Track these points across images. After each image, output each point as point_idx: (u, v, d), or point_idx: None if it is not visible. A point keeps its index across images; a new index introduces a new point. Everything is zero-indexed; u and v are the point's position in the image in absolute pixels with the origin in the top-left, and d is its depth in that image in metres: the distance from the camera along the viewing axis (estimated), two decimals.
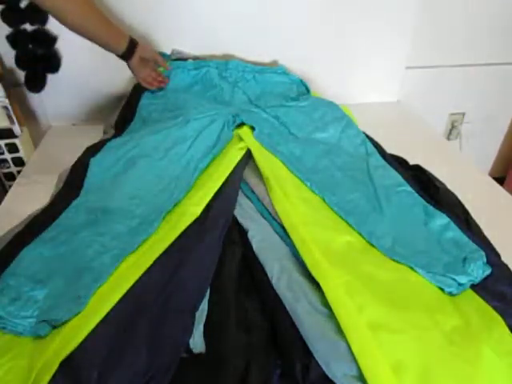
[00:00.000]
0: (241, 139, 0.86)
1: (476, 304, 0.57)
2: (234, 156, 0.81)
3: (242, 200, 0.77)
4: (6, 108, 1.05)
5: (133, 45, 0.94)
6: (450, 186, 0.81)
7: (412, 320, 0.53)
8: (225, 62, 1.09)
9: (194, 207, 0.69)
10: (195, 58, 1.12)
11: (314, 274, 0.58)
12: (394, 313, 0.54)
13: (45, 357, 0.48)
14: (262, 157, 0.81)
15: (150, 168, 0.81)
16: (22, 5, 1.00)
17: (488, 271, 0.61)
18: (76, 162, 0.90)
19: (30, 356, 0.49)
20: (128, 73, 1.07)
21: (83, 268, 0.60)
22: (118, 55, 0.94)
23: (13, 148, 1.10)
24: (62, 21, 0.83)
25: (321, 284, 0.56)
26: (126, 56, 0.94)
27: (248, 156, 0.84)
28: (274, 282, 0.60)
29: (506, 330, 0.54)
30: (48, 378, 0.46)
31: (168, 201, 0.72)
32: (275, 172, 0.77)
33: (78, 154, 0.91)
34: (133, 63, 0.96)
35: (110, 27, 0.91)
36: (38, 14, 1.02)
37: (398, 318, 0.53)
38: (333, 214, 0.71)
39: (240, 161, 0.81)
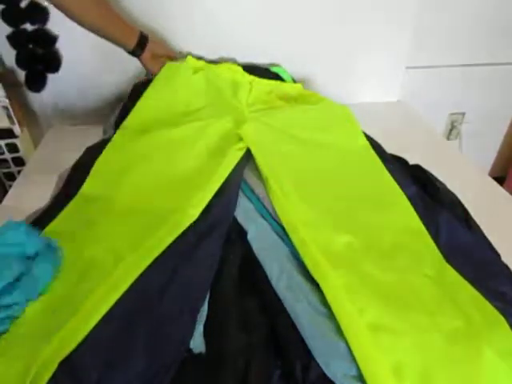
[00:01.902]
0: (241, 139, 0.86)
1: (478, 303, 0.57)
2: (233, 156, 0.81)
3: (242, 200, 0.76)
4: (6, 108, 1.05)
5: (143, 41, 0.93)
6: (449, 186, 0.81)
7: (412, 321, 0.53)
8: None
9: (192, 209, 0.68)
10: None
11: (314, 274, 0.57)
12: (394, 314, 0.54)
13: (43, 358, 0.48)
14: (262, 157, 0.81)
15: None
16: (23, 4, 1.00)
17: None
18: (76, 162, 0.90)
19: (26, 358, 0.49)
20: (129, 73, 1.08)
21: None
22: (128, 52, 0.93)
23: (13, 148, 1.10)
24: (68, 13, 0.83)
25: (321, 285, 0.56)
26: (137, 53, 0.94)
27: (248, 156, 0.83)
28: (273, 282, 0.60)
29: (508, 330, 0.54)
30: (47, 378, 0.46)
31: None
32: (275, 172, 0.77)
33: (78, 154, 0.92)
34: (144, 59, 0.95)
35: (118, 22, 0.90)
36: (39, 14, 1.02)
37: (398, 319, 0.53)
38: (333, 214, 0.71)
39: (240, 161, 0.81)
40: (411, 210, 0.73)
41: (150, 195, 0.75)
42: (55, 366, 0.47)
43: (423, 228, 0.70)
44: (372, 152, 0.89)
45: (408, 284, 0.59)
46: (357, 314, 0.52)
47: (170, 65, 1.00)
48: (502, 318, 0.55)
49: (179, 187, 0.76)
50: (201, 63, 1.08)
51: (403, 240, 0.68)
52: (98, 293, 0.55)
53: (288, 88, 1.11)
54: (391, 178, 0.81)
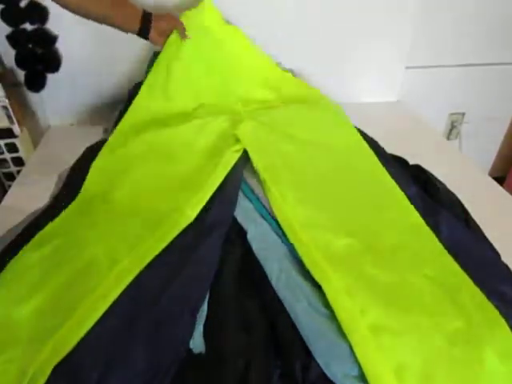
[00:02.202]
0: (237, 140, 0.85)
1: (479, 302, 0.57)
2: (230, 157, 0.81)
3: (242, 201, 0.76)
4: (5, 108, 1.05)
5: (147, 21, 0.89)
6: (449, 186, 0.81)
7: (413, 322, 0.53)
8: None
9: (190, 210, 0.68)
10: None
11: (315, 276, 0.57)
12: (395, 315, 0.53)
13: (40, 360, 0.47)
14: (260, 158, 0.80)
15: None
16: (22, 4, 1.00)
17: None
18: (76, 163, 0.90)
19: (22, 361, 0.48)
20: (129, 73, 1.07)
21: None
22: (136, 34, 0.89)
23: (12, 148, 1.10)
24: (68, 7, 0.80)
25: (322, 286, 0.56)
26: (144, 34, 0.90)
27: (247, 156, 0.83)
28: (273, 282, 0.60)
29: (508, 330, 0.54)
30: (43, 380, 0.46)
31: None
32: (273, 174, 0.77)
33: (78, 154, 0.92)
34: (152, 39, 0.91)
35: (118, 6, 0.86)
36: (38, 14, 1.02)
37: (399, 320, 0.53)
38: (332, 215, 0.71)
39: (239, 161, 0.80)
40: (410, 207, 0.73)
41: (149, 196, 0.75)
42: (51, 368, 0.47)
43: (423, 222, 0.70)
44: (366, 146, 0.89)
45: (409, 284, 0.59)
46: (358, 316, 0.52)
47: (170, 43, 0.93)
48: (501, 319, 0.55)
49: (177, 188, 0.76)
50: (217, 17, 1.02)
51: (404, 238, 0.68)
52: (95, 293, 0.55)
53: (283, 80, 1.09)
54: (388, 176, 0.81)
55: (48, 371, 0.46)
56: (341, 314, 0.52)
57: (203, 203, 0.70)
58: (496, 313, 0.55)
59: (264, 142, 0.86)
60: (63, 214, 0.73)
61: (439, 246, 0.66)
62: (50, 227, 0.70)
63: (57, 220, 0.71)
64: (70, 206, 0.75)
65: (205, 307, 0.57)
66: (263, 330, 0.55)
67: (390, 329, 0.52)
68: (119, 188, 0.77)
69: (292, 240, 0.64)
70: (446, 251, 0.65)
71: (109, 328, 0.52)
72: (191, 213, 0.68)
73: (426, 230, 0.69)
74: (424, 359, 0.49)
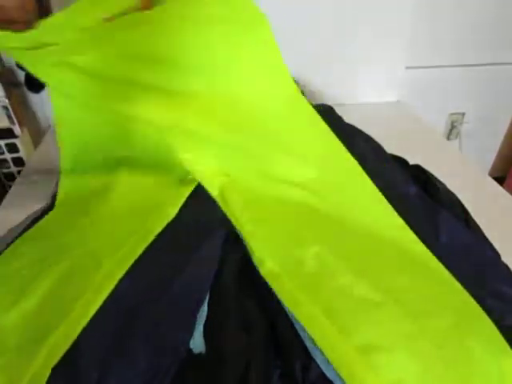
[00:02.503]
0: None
1: (462, 298, 0.56)
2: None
3: None
4: (5, 108, 1.05)
5: None
6: (449, 186, 0.81)
7: (401, 332, 0.50)
8: None
9: (171, 208, 0.67)
10: None
11: (286, 303, 0.54)
12: (382, 327, 0.50)
13: (35, 367, 0.47)
14: (211, 184, 0.74)
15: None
16: None
17: None
18: None
19: (9, 368, 0.47)
20: None
21: None
22: None
23: (13, 148, 1.10)
24: None
25: (295, 315, 0.52)
26: None
27: None
28: None
29: (490, 323, 0.53)
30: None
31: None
32: (223, 197, 0.72)
33: None
34: None
35: None
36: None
37: (387, 333, 0.49)
38: (295, 227, 0.67)
39: None
40: (381, 205, 0.72)
41: (136, 196, 0.74)
42: (48, 373, 0.46)
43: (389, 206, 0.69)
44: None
45: (391, 290, 0.55)
46: (343, 339, 0.48)
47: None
48: (482, 312, 0.54)
49: (162, 185, 0.74)
50: None
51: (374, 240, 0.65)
52: (85, 297, 0.54)
53: None
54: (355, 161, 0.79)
55: (46, 376, 0.46)
56: (322, 342, 0.47)
57: (182, 201, 0.69)
58: (477, 306, 0.55)
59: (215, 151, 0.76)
60: (50, 215, 0.72)
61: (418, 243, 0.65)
62: (34, 230, 0.69)
63: (42, 222, 0.70)
64: (58, 207, 0.74)
65: (205, 307, 0.57)
66: (263, 330, 0.55)
67: (379, 345, 0.47)
68: (110, 189, 0.76)
69: (257, 264, 0.60)
70: (425, 248, 0.64)
71: (108, 327, 0.52)
72: (172, 210, 0.67)
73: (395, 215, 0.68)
74: (418, 368, 0.47)
